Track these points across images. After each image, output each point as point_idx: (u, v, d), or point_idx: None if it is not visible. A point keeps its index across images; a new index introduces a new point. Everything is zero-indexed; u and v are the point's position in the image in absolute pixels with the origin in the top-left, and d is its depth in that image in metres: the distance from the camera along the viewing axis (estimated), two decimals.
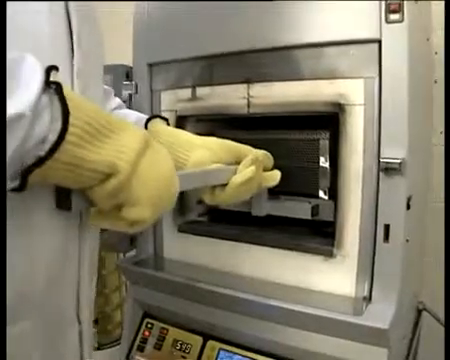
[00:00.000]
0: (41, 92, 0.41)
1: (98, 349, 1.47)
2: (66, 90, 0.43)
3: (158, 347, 0.93)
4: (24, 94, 0.39)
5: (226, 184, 0.73)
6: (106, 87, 0.81)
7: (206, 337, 0.89)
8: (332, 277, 0.79)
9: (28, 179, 0.42)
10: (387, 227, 0.73)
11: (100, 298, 1.47)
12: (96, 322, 1.48)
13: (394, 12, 0.69)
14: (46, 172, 0.43)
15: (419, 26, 0.84)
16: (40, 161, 0.41)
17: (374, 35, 0.71)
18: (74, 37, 0.54)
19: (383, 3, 0.69)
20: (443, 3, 1.01)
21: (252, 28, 0.82)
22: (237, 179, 0.74)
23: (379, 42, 0.71)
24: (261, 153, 0.79)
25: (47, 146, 0.41)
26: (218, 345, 0.88)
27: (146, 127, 0.80)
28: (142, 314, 0.98)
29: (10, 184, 0.41)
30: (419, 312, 1.01)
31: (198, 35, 0.88)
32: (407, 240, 0.75)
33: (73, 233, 0.56)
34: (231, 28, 0.84)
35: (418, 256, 0.99)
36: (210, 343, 0.89)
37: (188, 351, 0.89)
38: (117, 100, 0.87)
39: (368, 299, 0.75)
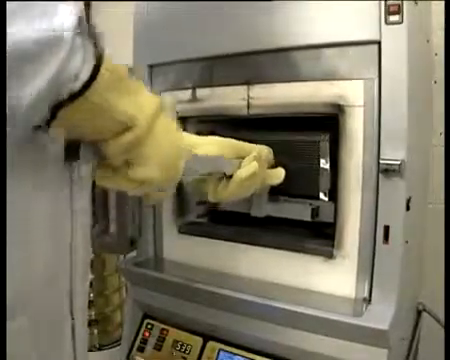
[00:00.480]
0: (76, 27, 0.41)
1: (98, 350, 1.47)
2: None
3: (158, 348, 0.93)
4: (62, 20, 0.39)
5: (229, 180, 0.74)
6: None
7: (206, 338, 0.90)
8: (332, 278, 0.79)
9: (57, 115, 0.42)
10: (387, 228, 0.73)
11: (100, 299, 1.48)
12: (96, 323, 1.48)
13: (394, 13, 0.69)
14: (73, 113, 0.43)
15: (419, 27, 0.84)
16: (72, 97, 0.42)
17: (374, 36, 0.71)
18: None
19: (383, 4, 0.70)
20: (443, 4, 1.01)
21: (252, 29, 0.82)
22: (241, 173, 0.74)
23: (379, 43, 0.71)
24: (265, 149, 0.79)
25: (79, 84, 0.41)
26: (218, 346, 0.88)
27: None
28: (142, 315, 0.99)
29: (37, 120, 0.42)
30: (419, 313, 1.01)
31: (198, 36, 0.88)
32: (407, 241, 0.75)
33: (65, 209, 0.55)
34: (231, 29, 0.84)
35: (418, 257, 0.99)
36: (210, 344, 0.89)
37: (188, 352, 0.89)
38: None
39: (368, 300, 0.76)
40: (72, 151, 0.51)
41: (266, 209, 0.87)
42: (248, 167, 0.75)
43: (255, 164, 0.75)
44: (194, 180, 0.75)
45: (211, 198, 0.77)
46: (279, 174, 0.82)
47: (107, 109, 0.45)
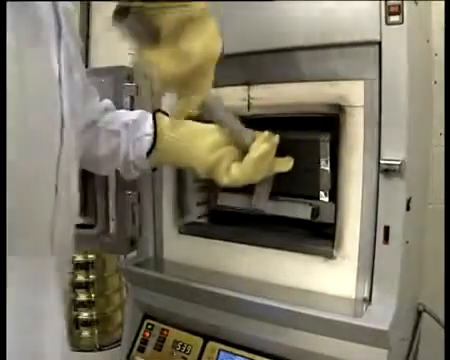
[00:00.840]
0: None
1: (99, 350, 1.47)
2: None
3: (158, 348, 0.93)
4: None
5: (241, 161, 0.76)
6: (91, 87, 0.82)
7: (206, 338, 0.90)
8: (332, 278, 0.79)
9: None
10: (387, 229, 0.73)
11: (101, 299, 1.48)
12: (97, 323, 1.48)
13: (394, 14, 0.69)
14: None
15: (419, 28, 0.84)
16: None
17: (374, 37, 0.71)
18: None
19: (383, 5, 0.70)
20: (443, 4, 1.01)
21: (252, 29, 0.82)
22: (253, 154, 0.75)
23: (379, 44, 0.71)
24: (276, 136, 0.79)
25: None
26: (218, 346, 0.88)
27: (154, 121, 0.83)
28: (142, 315, 0.99)
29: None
30: (419, 313, 1.01)
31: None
32: (407, 241, 0.75)
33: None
34: (231, 29, 0.84)
35: (418, 257, 0.99)
36: (210, 344, 0.89)
37: (188, 352, 0.89)
38: (108, 101, 0.88)
39: (368, 300, 0.76)
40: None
41: (267, 204, 0.86)
42: (261, 147, 0.75)
43: (267, 145, 0.76)
44: (209, 161, 0.77)
45: (224, 179, 0.77)
46: (288, 162, 0.81)
47: None
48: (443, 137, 1.10)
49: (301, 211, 0.86)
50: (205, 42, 0.59)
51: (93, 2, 1.78)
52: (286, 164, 0.81)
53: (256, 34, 0.82)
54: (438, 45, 1.07)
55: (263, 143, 0.76)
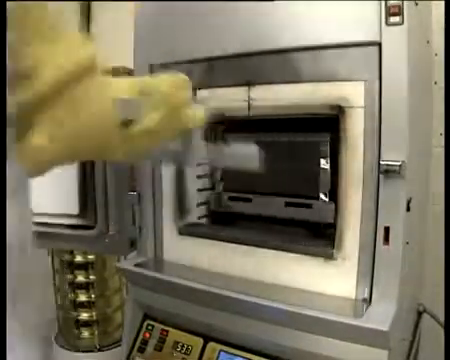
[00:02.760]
0: None
1: (99, 350, 1.47)
2: None
3: (158, 349, 0.93)
4: None
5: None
6: None
7: (207, 339, 0.90)
8: (332, 279, 0.79)
9: None
10: (387, 229, 0.73)
11: (101, 300, 1.48)
12: (97, 323, 1.48)
13: (394, 15, 0.69)
14: None
15: (419, 28, 0.84)
16: None
17: (374, 38, 0.71)
18: None
19: (383, 6, 0.70)
20: (443, 4, 1.01)
21: (253, 30, 0.82)
22: (137, 126, 0.56)
23: (379, 45, 0.71)
24: (179, 79, 0.63)
25: None
26: (219, 347, 0.88)
27: None
28: (142, 316, 0.99)
29: None
30: (419, 314, 1.01)
31: (199, 37, 0.88)
32: (407, 242, 0.75)
33: None
34: (232, 30, 0.84)
35: (418, 258, 0.99)
36: (211, 345, 0.89)
37: (189, 353, 0.89)
38: None
39: (368, 301, 0.76)
40: None
41: (201, 155, 0.76)
42: (147, 119, 0.57)
43: (155, 116, 0.57)
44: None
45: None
46: (199, 115, 0.65)
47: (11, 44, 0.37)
48: (443, 137, 1.10)
49: (249, 158, 0.76)
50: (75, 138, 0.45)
51: (93, 2, 1.78)
52: (199, 117, 0.65)
53: (257, 35, 0.82)
54: (438, 46, 1.07)
55: (153, 111, 0.57)
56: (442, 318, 0.98)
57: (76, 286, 1.45)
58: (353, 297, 0.77)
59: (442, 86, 1.07)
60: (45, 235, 1.07)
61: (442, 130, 1.10)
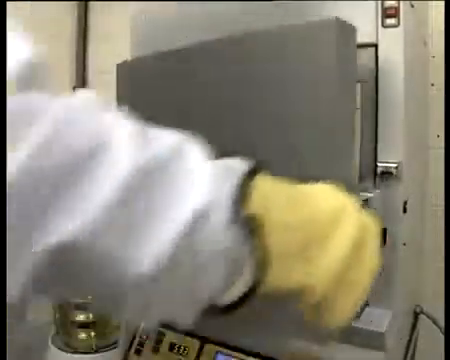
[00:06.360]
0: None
1: (96, 352, 1.47)
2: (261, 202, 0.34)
3: (155, 350, 0.93)
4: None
5: None
6: None
7: (203, 340, 0.89)
8: None
9: None
10: (384, 231, 0.73)
11: None
12: (94, 325, 1.47)
13: (390, 16, 0.69)
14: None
15: (416, 30, 0.84)
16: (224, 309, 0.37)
17: (370, 39, 0.71)
18: None
19: (379, 7, 0.70)
20: (440, 7, 1.02)
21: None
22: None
23: (375, 46, 0.71)
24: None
25: (233, 294, 0.35)
26: (215, 348, 0.88)
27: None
28: None
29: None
30: (416, 315, 1.01)
31: (198, 37, 0.88)
32: (404, 244, 0.75)
33: None
34: (231, 30, 0.84)
35: (415, 259, 0.99)
36: (207, 346, 0.88)
37: (185, 354, 0.89)
38: None
39: (365, 303, 0.75)
40: None
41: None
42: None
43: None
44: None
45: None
46: None
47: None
48: (440, 139, 1.10)
49: None
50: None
51: (91, 2, 1.78)
52: None
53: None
54: (435, 47, 1.08)
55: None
56: (439, 319, 0.98)
57: None
58: None
59: (439, 88, 1.07)
60: None
61: (439, 132, 1.11)
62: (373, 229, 0.42)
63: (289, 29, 0.65)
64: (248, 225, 0.32)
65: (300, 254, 0.36)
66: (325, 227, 0.37)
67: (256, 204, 0.33)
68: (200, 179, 0.31)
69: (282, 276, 0.35)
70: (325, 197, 0.40)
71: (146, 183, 0.29)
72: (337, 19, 0.57)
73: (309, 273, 0.37)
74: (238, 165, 0.35)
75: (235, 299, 0.35)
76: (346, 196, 0.41)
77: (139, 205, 0.28)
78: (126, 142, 0.29)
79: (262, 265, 0.33)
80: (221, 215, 0.31)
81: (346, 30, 0.60)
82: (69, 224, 0.27)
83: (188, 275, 0.32)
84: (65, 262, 0.28)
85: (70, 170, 0.27)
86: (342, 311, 0.40)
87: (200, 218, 0.30)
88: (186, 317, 0.37)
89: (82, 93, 0.32)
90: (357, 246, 0.39)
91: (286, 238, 0.35)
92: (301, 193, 0.39)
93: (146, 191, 0.29)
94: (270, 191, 0.36)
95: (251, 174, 0.34)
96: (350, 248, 0.38)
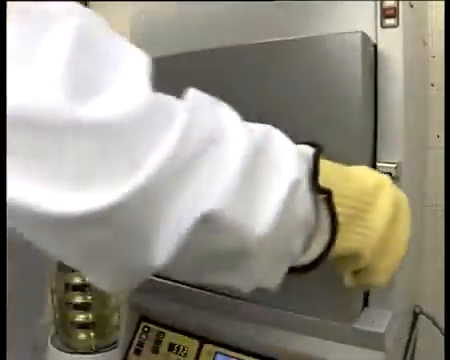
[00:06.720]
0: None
1: (95, 352, 1.47)
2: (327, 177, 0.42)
3: (155, 351, 0.93)
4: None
5: None
6: None
7: (203, 340, 0.89)
8: None
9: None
10: None
11: (97, 301, 1.47)
12: (94, 325, 1.48)
13: (389, 17, 0.69)
14: None
15: (415, 30, 0.84)
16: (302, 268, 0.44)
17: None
18: None
19: (378, 7, 0.70)
20: (440, 7, 1.02)
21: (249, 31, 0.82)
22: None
23: (374, 47, 0.71)
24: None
25: (309, 256, 0.42)
26: (215, 348, 0.88)
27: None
28: (139, 318, 0.98)
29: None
30: (416, 315, 1.01)
31: (197, 37, 0.88)
32: None
33: None
34: (231, 31, 0.84)
35: (415, 260, 0.99)
36: (207, 347, 0.88)
37: (185, 354, 0.89)
38: None
39: (364, 303, 0.75)
40: None
41: None
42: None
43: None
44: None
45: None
46: None
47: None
48: (440, 139, 1.10)
49: None
50: (383, 274, 0.51)
51: (90, 2, 1.78)
52: None
53: (251, 36, 0.81)
54: (435, 47, 1.08)
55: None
56: (439, 319, 0.98)
57: (72, 287, 1.45)
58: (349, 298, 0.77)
59: (439, 88, 1.07)
60: None
61: (439, 132, 1.11)
62: (405, 201, 0.54)
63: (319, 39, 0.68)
64: (322, 196, 0.41)
65: (357, 219, 0.44)
66: (372, 196, 0.46)
67: (323, 179, 0.41)
68: (289, 158, 0.39)
69: (347, 238, 0.43)
70: (367, 174, 0.50)
71: (256, 161, 0.35)
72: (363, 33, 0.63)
73: (365, 234, 0.45)
74: (307, 149, 0.43)
75: (311, 260, 0.42)
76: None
77: (254, 179, 0.35)
78: (239, 129, 0.36)
79: (334, 229, 0.41)
80: (305, 187, 0.40)
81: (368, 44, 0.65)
82: (212, 196, 0.32)
83: (285, 235, 0.39)
84: (206, 230, 0.33)
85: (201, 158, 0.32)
86: (384, 273, 0.50)
87: (293, 188, 0.37)
88: (276, 278, 0.44)
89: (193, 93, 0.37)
90: (394, 215, 0.49)
91: (347, 205, 0.43)
92: (349, 170, 0.48)
93: (257, 168, 0.35)
94: (330, 169, 0.44)
95: (317, 156, 0.42)
96: (391, 214, 0.48)
